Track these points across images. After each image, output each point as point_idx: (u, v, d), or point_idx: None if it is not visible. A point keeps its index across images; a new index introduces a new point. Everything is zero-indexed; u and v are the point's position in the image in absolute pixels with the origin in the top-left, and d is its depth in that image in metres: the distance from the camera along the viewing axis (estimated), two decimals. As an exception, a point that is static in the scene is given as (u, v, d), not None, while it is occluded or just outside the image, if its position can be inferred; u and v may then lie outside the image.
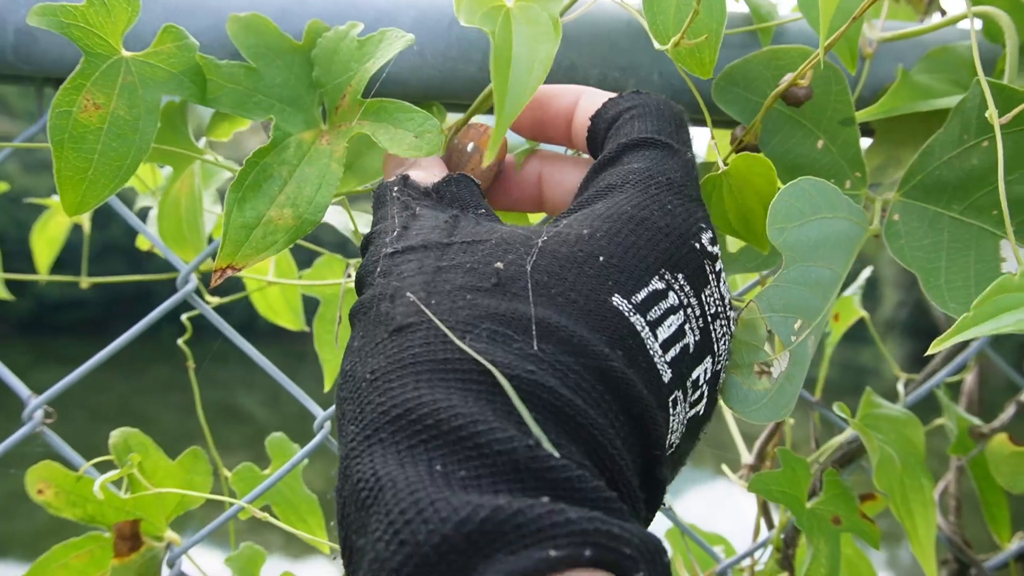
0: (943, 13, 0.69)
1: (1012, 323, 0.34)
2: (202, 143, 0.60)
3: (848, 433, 0.60)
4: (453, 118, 0.67)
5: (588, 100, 0.44)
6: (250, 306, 0.80)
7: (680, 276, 0.35)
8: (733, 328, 0.38)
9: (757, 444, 0.66)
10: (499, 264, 0.34)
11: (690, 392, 0.36)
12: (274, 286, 0.73)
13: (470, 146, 0.47)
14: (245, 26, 0.48)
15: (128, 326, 0.57)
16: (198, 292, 0.60)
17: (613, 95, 0.43)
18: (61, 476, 0.55)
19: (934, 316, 0.70)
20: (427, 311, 0.32)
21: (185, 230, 0.61)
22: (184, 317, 0.65)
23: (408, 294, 0.34)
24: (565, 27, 0.55)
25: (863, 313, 0.68)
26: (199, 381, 0.70)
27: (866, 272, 0.71)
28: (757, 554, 0.65)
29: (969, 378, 0.71)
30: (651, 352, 0.34)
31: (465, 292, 0.33)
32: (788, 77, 0.46)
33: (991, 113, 0.41)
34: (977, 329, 0.34)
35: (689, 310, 0.35)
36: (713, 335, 0.36)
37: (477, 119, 0.50)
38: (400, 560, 0.26)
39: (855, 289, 0.70)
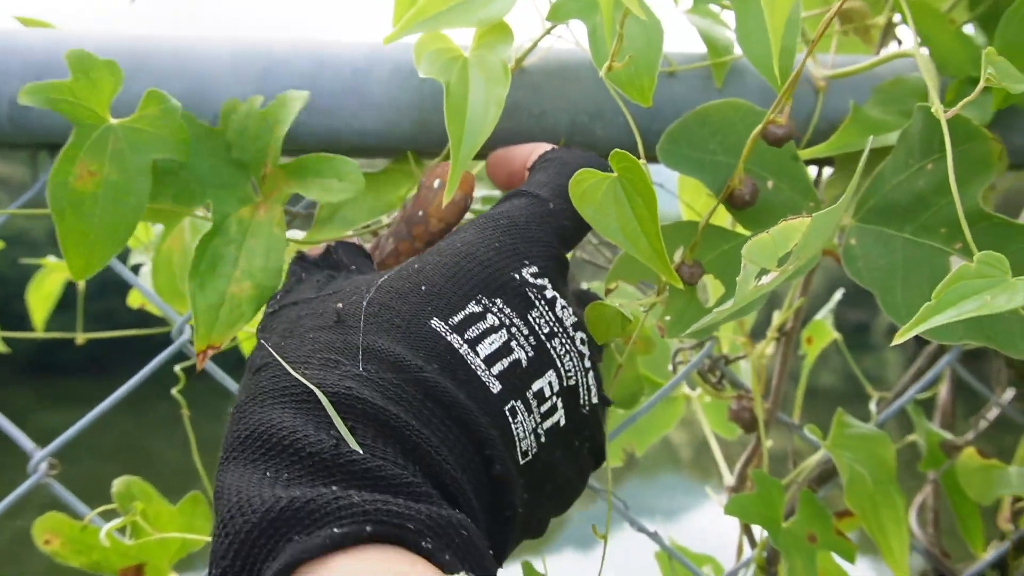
0: (900, 43, 0.72)
1: (973, 308, 0.35)
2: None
3: (823, 453, 0.62)
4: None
5: (536, 153, 0.49)
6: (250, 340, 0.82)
7: (498, 300, 0.40)
8: (584, 348, 0.43)
9: (737, 466, 0.68)
10: (339, 304, 0.40)
11: (534, 403, 0.40)
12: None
13: (436, 183, 0.49)
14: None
15: (130, 363, 0.59)
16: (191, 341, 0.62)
17: (552, 148, 0.49)
18: (67, 526, 0.57)
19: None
20: (275, 352, 0.38)
21: (179, 283, 0.64)
22: (178, 368, 0.67)
23: (263, 341, 0.40)
24: (535, 76, 0.57)
25: (836, 335, 0.71)
26: (204, 416, 0.72)
27: (837, 295, 0.73)
28: (741, 573, 0.67)
29: (942, 392, 0.73)
30: (472, 365, 0.39)
31: (310, 332, 0.39)
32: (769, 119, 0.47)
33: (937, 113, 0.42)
34: (941, 316, 0.35)
35: (514, 329, 0.40)
36: (553, 352, 0.41)
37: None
38: (224, 548, 0.32)
39: (826, 312, 0.72)
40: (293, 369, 0.37)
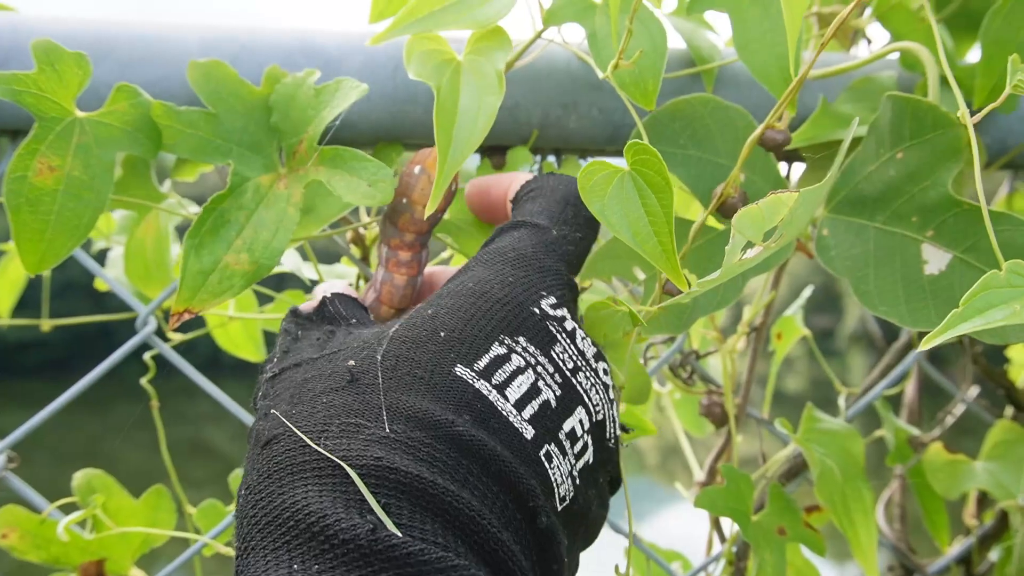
0: (869, 42, 0.73)
1: (1001, 318, 0.35)
2: (167, 185, 0.61)
3: (793, 447, 0.62)
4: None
5: (516, 184, 0.47)
6: (215, 342, 0.81)
7: (521, 339, 0.38)
8: (607, 378, 0.41)
9: (707, 461, 0.68)
10: (351, 362, 0.37)
11: (567, 444, 0.38)
12: (235, 321, 0.75)
13: (417, 168, 0.47)
14: (205, 72, 0.49)
15: (91, 365, 0.58)
16: (159, 330, 0.61)
17: (533, 177, 0.47)
18: (25, 520, 0.56)
19: (869, 328, 0.73)
20: (287, 421, 0.35)
21: (153, 270, 0.63)
22: (147, 356, 0.66)
23: (273, 410, 0.36)
24: (510, 71, 0.57)
25: (805, 332, 0.71)
26: (166, 417, 0.71)
27: (806, 292, 0.73)
28: (712, 568, 0.67)
29: (909, 389, 0.74)
30: (503, 412, 0.36)
31: (323, 396, 0.36)
32: (763, 125, 0.47)
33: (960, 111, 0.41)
34: (967, 325, 0.35)
35: (539, 368, 0.38)
36: (579, 388, 0.39)
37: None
38: None
39: (796, 309, 0.72)
40: (310, 439, 0.34)
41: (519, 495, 0.35)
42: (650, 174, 0.41)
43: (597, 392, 0.40)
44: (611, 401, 0.41)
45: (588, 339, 0.41)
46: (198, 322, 0.75)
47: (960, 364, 0.70)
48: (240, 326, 0.79)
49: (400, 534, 0.31)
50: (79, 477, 0.57)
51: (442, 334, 0.37)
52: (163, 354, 0.60)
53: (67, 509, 0.58)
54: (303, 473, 0.33)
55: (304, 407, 0.36)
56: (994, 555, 0.71)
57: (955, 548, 0.72)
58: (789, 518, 0.56)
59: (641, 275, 0.55)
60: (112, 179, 0.46)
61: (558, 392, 0.38)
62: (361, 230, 0.60)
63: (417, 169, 0.47)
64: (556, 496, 0.37)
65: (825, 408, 0.62)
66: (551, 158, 0.63)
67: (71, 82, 0.45)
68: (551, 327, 0.39)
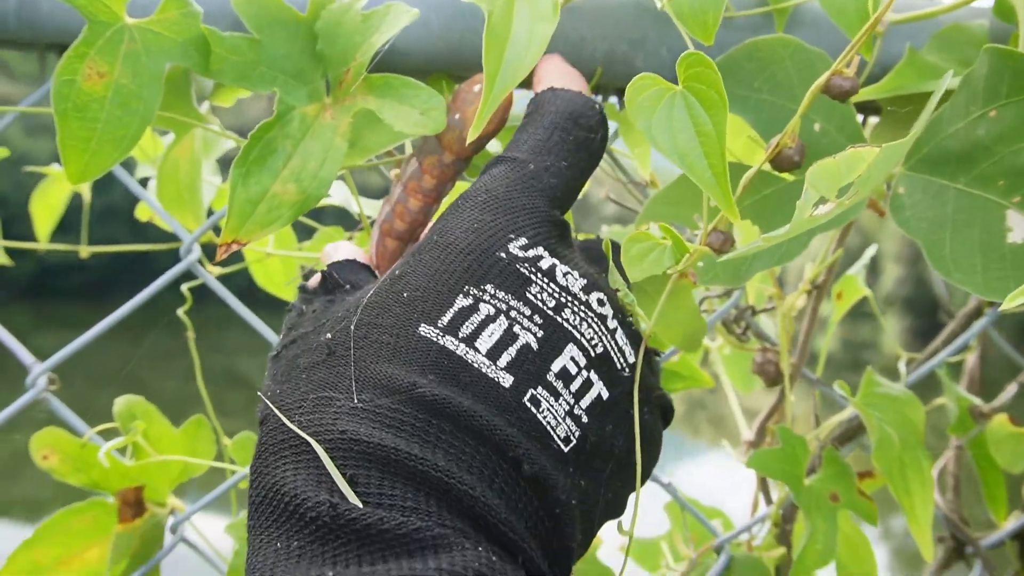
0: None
1: None
2: (204, 107, 0.59)
3: (848, 411, 0.60)
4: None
5: (538, 89, 0.45)
6: (249, 275, 0.80)
7: (488, 287, 0.37)
8: (604, 308, 0.39)
9: (757, 421, 0.66)
10: (328, 335, 0.37)
11: (559, 385, 0.36)
12: (273, 257, 0.73)
13: (477, 87, 0.45)
14: None
15: (130, 289, 0.57)
16: (199, 261, 0.60)
17: (536, 94, 0.44)
18: (66, 442, 0.55)
19: (935, 292, 0.70)
20: (270, 403, 0.36)
21: (184, 195, 0.61)
22: (184, 287, 0.65)
23: (262, 391, 0.38)
24: (575, 2, 0.54)
25: (867, 291, 0.68)
26: (200, 347, 0.71)
27: (871, 250, 0.70)
28: (755, 529, 0.66)
29: (971, 358, 0.71)
30: (475, 364, 0.35)
31: (304, 371, 0.37)
32: (828, 72, 0.44)
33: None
34: None
35: (513, 313, 0.37)
36: (566, 325, 0.37)
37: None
38: None
39: (859, 268, 0.70)
40: (288, 417, 0.35)
41: (497, 446, 0.34)
42: (704, 89, 0.37)
43: (591, 326, 0.38)
44: (612, 331, 0.39)
45: (574, 273, 0.39)
46: (237, 256, 0.74)
47: (1028, 334, 0.67)
48: (278, 263, 0.78)
49: (360, 504, 0.31)
50: (120, 403, 0.57)
51: (405, 294, 0.37)
52: (207, 283, 0.59)
53: (106, 434, 0.58)
54: (283, 452, 0.34)
55: (290, 384, 0.37)
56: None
57: (1011, 522, 0.70)
58: (843, 484, 0.54)
59: (701, 223, 0.53)
60: (161, 90, 0.45)
61: (540, 334, 0.36)
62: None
63: (477, 87, 0.45)
64: (555, 438, 0.36)
65: (856, 370, 0.59)
66: (612, 99, 0.60)
67: None
68: (522, 269, 0.37)
